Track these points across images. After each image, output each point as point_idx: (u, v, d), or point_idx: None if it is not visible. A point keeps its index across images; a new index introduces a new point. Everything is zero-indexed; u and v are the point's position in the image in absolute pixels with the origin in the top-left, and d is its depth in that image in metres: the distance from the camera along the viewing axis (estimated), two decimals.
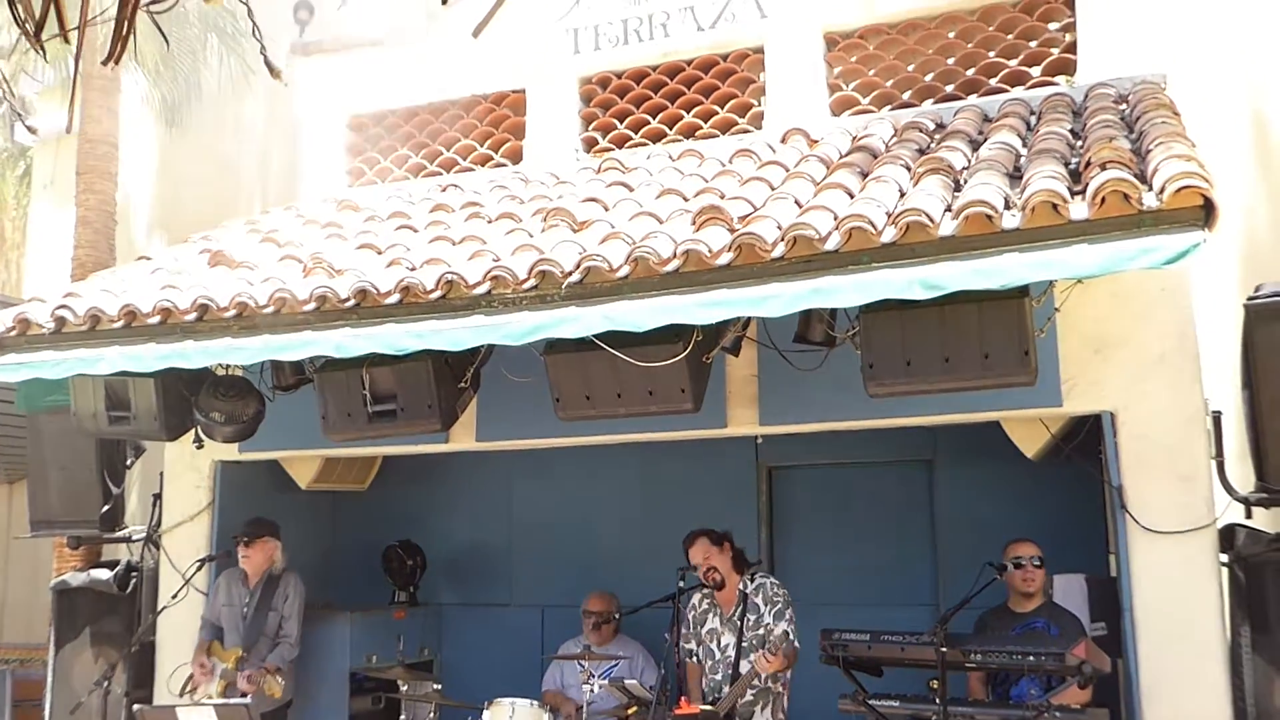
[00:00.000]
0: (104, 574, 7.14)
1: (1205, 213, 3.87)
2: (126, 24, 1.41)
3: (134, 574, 7.06)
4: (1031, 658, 4.37)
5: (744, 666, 5.42)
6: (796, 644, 5.39)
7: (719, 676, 5.59)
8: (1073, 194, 4.17)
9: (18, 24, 1.48)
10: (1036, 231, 4.08)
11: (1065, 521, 5.97)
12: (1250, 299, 4.87)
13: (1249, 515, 5.09)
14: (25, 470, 7.47)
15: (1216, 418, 5.04)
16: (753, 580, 5.62)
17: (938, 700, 4.36)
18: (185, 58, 9.16)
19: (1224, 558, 4.97)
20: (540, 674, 6.77)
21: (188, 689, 6.27)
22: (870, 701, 4.57)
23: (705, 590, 5.75)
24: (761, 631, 5.48)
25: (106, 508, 7.05)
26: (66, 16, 1.43)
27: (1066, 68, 6.28)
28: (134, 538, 7.26)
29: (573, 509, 7.60)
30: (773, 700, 5.47)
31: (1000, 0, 6.45)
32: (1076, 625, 5.08)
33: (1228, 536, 5.00)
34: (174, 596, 6.49)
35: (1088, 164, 4.31)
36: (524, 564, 7.82)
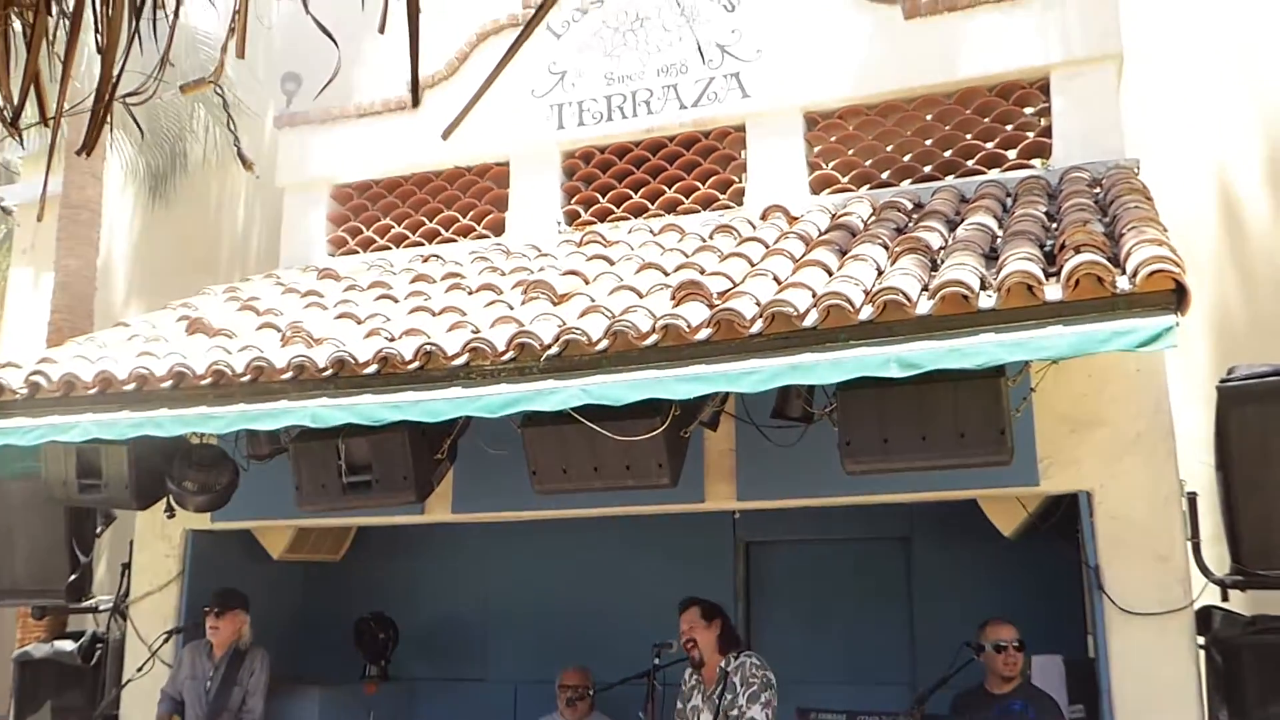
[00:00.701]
0: (68, 645, 6.99)
1: (1177, 296, 3.92)
2: (102, 113, 1.42)
3: (99, 645, 6.92)
4: None
5: None
6: None
7: None
8: (1048, 276, 4.22)
9: None
10: (1012, 312, 4.12)
11: (1043, 601, 5.95)
12: (1223, 381, 4.91)
13: (1225, 598, 5.08)
14: None
15: (1192, 499, 5.06)
16: (736, 658, 5.54)
17: None
18: (171, 127, 9.21)
19: (1201, 640, 4.95)
20: None
21: None
22: None
23: (693, 667, 5.67)
24: (735, 713, 5.39)
25: (74, 577, 6.92)
26: (48, 103, 1.44)
27: (1042, 151, 6.39)
28: (100, 608, 7.13)
29: (548, 583, 7.52)
30: None
31: (977, 84, 6.57)
32: (1054, 708, 5.04)
33: (1204, 619, 4.99)
34: (139, 669, 6.37)
35: (1062, 246, 4.36)
36: (498, 638, 7.71)
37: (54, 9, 1.43)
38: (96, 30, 1.41)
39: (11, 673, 7.18)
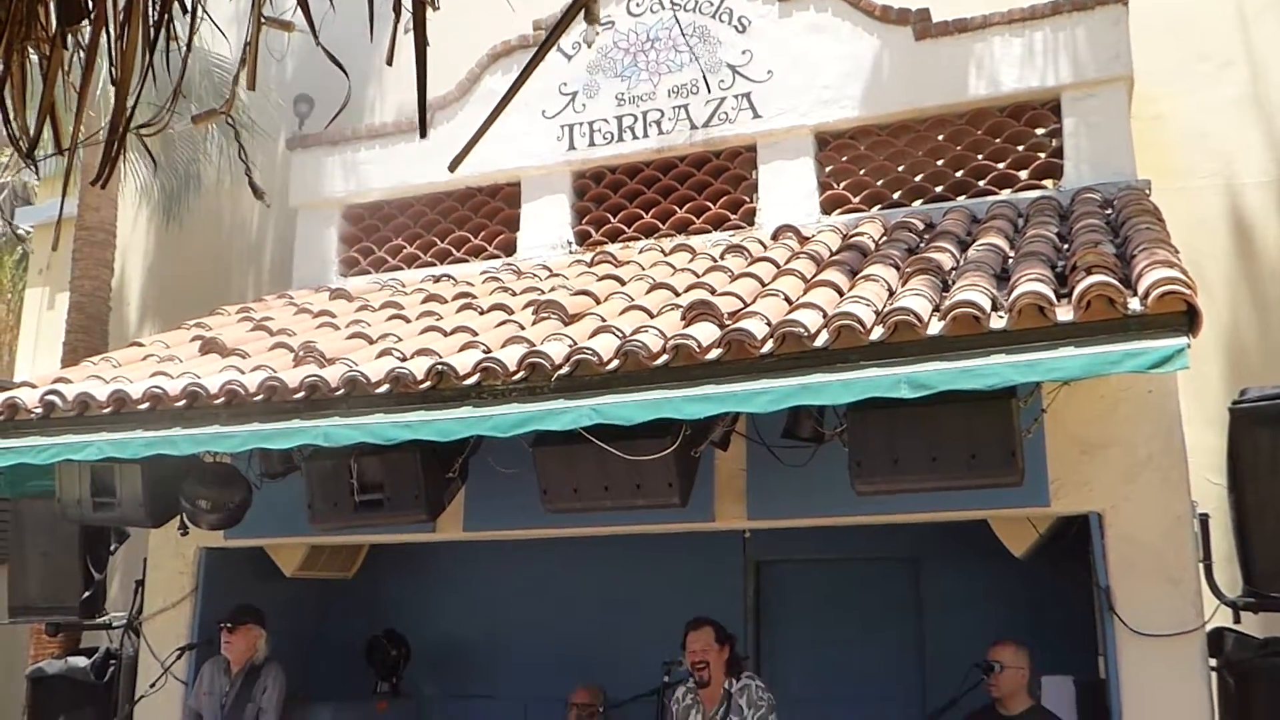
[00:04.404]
0: (81, 662, 7.01)
1: (1189, 318, 3.92)
2: (117, 145, 1.45)
3: (113, 662, 6.93)
4: None
5: None
6: None
7: None
8: (1059, 297, 4.23)
9: (12, 143, 1.52)
10: (1023, 333, 4.13)
11: (1053, 622, 5.92)
12: (1235, 403, 4.89)
13: (1237, 620, 5.05)
14: (5, 556, 7.37)
15: (1204, 520, 5.04)
16: (738, 680, 5.53)
17: None
18: (185, 149, 9.28)
19: (1213, 663, 4.92)
20: None
21: None
22: None
23: (689, 685, 5.65)
24: None
25: (87, 594, 6.94)
26: (63, 133, 1.46)
27: (1053, 172, 6.40)
28: (114, 624, 7.15)
29: (559, 601, 7.52)
30: None
31: (988, 105, 6.59)
32: None
33: (1216, 641, 4.96)
34: (152, 685, 6.38)
35: (1074, 268, 4.37)
36: (509, 656, 7.70)
37: (70, 42, 1.46)
38: (111, 63, 1.44)
39: (25, 689, 7.20)
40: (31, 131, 1.47)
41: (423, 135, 1.57)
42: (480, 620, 7.85)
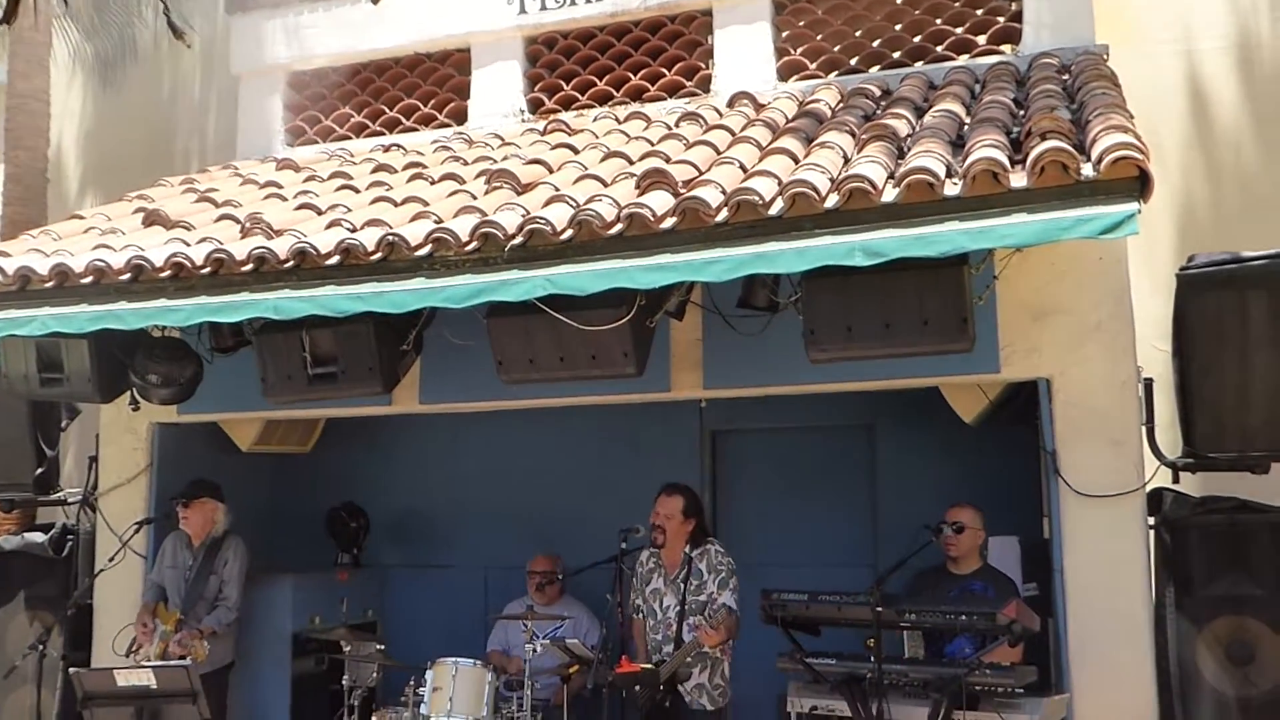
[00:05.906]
0: (39, 537, 7.03)
1: (1140, 184, 3.93)
2: None
3: (70, 537, 6.96)
4: (963, 617, 4.48)
5: (686, 632, 5.45)
6: (738, 613, 5.45)
7: (659, 637, 5.63)
8: (1013, 163, 4.22)
9: None
10: (977, 200, 4.12)
11: (1001, 485, 6.06)
12: (1182, 269, 4.95)
13: (1176, 480, 5.21)
14: None
15: (1148, 385, 5.15)
16: (700, 545, 5.64)
17: (873, 658, 4.44)
18: (119, 11, 8.91)
19: (1151, 521, 5.09)
20: (485, 635, 6.80)
21: (133, 649, 6.22)
22: (808, 660, 4.65)
23: (652, 549, 5.77)
24: (703, 598, 5.51)
25: (40, 470, 6.94)
26: None
27: (1011, 37, 6.31)
28: (69, 500, 7.15)
29: (517, 471, 7.59)
30: (711, 664, 5.51)
31: None
32: (1011, 588, 5.18)
33: (1155, 501, 5.12)
34: (110, 559, 6.41)
35: (1029, 134, 4.34)
36: (468, 525, 7.81)
37: None
38: None
39: None
40: None
41: None
42: (439, 492, 7.93)
